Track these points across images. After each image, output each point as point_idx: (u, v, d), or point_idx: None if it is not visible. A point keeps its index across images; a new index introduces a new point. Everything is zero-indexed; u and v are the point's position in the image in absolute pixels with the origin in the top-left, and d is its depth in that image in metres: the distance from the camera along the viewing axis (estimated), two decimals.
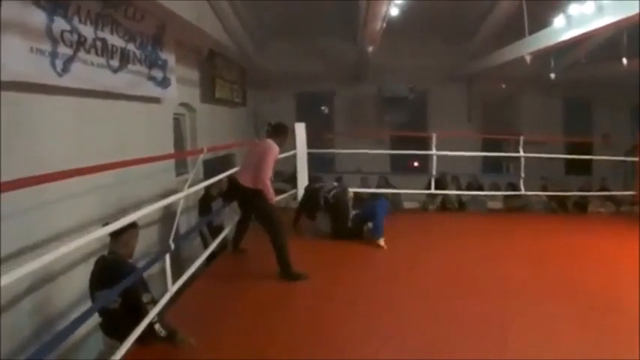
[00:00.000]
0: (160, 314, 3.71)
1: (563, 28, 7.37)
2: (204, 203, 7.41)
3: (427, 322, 4.36)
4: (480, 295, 4.97)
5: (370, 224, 6.91)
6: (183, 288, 4.65)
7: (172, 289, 4.15)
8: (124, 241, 3.74)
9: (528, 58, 9.06)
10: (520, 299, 4.85)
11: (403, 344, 3.95)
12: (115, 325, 3.61)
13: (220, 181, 6.52)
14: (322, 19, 11.96)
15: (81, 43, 4.83)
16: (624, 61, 8.24)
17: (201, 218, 7.24)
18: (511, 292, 5.03)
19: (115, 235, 3.65)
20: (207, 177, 7.55)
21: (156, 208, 3.95)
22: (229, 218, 6.81)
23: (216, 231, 6.77)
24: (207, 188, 6.85)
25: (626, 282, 5.27)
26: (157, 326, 3.65)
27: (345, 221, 7.01)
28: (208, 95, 9.36)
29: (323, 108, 15.14)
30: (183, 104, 8.40)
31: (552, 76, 9.94)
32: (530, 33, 8.76)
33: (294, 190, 8.40)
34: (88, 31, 4.95)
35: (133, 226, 3.76)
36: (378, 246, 6.62)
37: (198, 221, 7.29)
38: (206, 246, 6.27)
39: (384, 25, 8.19)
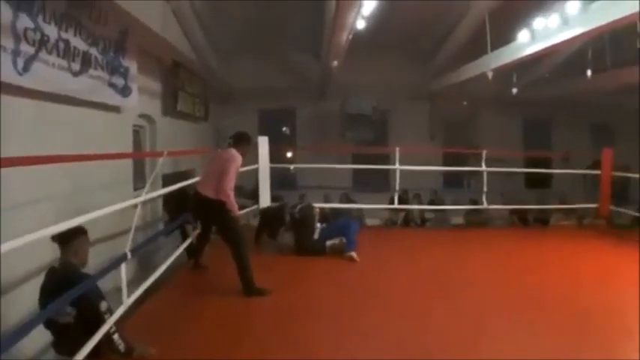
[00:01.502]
0: (117, 326, 3.52)
1: (527, 42, 7.45)
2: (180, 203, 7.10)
3: (396, 336, 4.27)
4: (450, 307, 4.94)
5: (337, 240, 6.91)
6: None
7: (128, 301, 3.95)
8: (74, 250, 3.52)
9: (490, 75, 9.14)
10: (488, 310, 4.85)
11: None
12: (69, 341, 3.30)
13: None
14: (287, 34, 11.95)
15: (43, 42, 4.61)
16: (588, 73, 8.36)
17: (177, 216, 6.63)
18: (478, 304, 5.04)
19: (64, 243, 3.46)
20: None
21: (109, 211, 3.78)
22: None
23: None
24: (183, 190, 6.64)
25: (591, 294, 5.35)
26: (116, 336, 3.46)
27: (310, 236, 6.98)
28: (170, 108, 9.13)
29: (284, 129, 14.94)
30: (144, 116, 8.17)
31: (514, 91, 10.05)
32: (494, 49, 8.86)
33: (256, 206, 8.23)
34: (51, 30, 4.75)
35: (81, 232, 3.57)
36: (350, 259, 6.63)
37: (174, 221, 6.69)
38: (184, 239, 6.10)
39: (350, 37, 8.16)
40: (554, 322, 4.51)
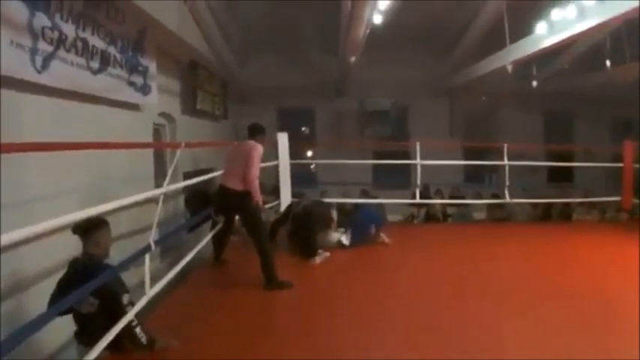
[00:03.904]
0: (139, 319, 3.54)
1: (545, 34, 7.36)
2: (202, 200, 7.14)
3: (417, 328, 4.23)
4: (474, 299, 4.92)
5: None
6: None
7: (150, 292, 3.98)
8: (96, 241, 3.50)
9: (510, 68, 9.06)
10: (514, 302, 4.80)
11: (393, 353, 3.81)
12: (91, 331, 3.31)
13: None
14: (305, 32, 11.95)
15: (61, 40, 4.68)
16: (607, 64, 8.23)
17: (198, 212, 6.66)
18: (504, 296, 4.99)
19: (85, 234, 3.47)
20: (187, 189, 7.40)
21: (131, 201, 3.83)
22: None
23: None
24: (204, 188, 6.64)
25: (618, 285, 5.27)
26: (138, 329, 3.47)
27: (307, 236, 6.52)
28: (189, 106, 9.20)
29: (304, 129, 14.99)
30: (164, 114, 8.23)
31: (534, 83, 9.92)
32: (512, 42, 8.76)
33: (277, 202, 8.24)
34: (69, 29, 4.81)
35: (102, 223, 3.57)
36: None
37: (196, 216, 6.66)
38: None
39: (367, 32, 8.13)
40: (579, 320, 4.41)
